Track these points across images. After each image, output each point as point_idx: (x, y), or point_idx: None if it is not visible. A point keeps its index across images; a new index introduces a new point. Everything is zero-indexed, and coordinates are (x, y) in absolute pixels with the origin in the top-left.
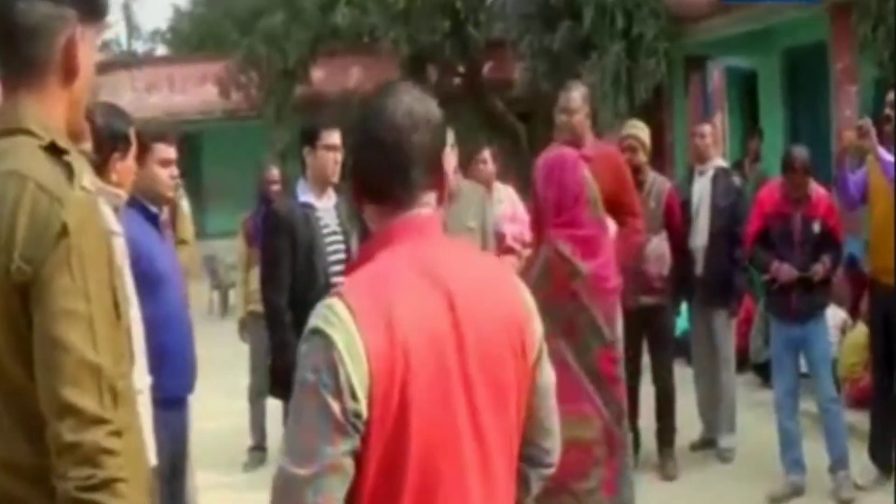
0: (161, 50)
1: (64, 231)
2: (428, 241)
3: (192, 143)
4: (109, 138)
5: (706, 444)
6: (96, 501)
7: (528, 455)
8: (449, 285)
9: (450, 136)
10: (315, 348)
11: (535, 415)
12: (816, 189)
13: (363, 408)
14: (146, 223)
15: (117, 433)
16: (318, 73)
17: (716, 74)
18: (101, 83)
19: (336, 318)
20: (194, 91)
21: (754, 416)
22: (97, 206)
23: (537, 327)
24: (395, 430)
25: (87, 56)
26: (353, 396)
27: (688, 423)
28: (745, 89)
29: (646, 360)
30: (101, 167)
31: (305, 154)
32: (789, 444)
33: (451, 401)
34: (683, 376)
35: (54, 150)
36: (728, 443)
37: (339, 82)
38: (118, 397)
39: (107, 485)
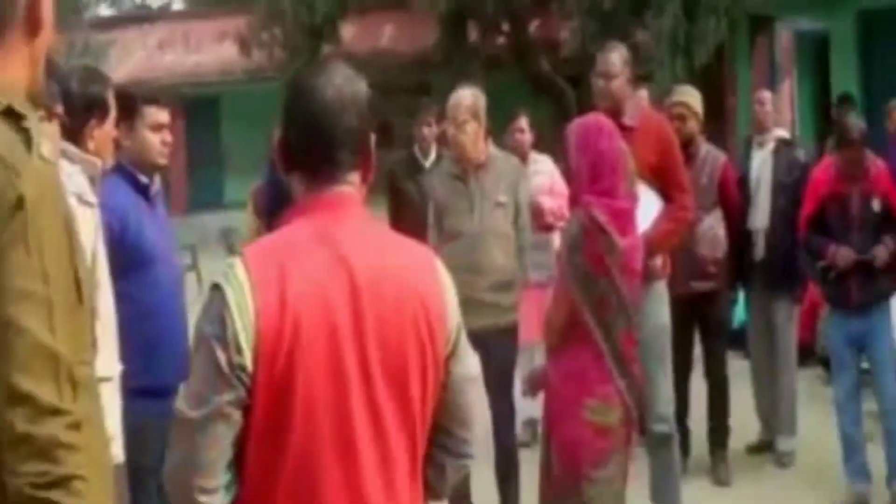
0: (178, 5)
1: (20, 204)
2: (341, 219)
3: (209, 106)
4: (85, 104)
5: (763, 446)
6: (51, 500)
7: (444, 443)
8: (352, 263)
9: (480, 102)
10: (212, 302)
11: (451, 405)
12: (875, 162)
13: (248, 362)
14: (135, 194)
15: (76, 426)
16: (347, 31)
17: (784, 37)
18: (110, 41)
19: (233, 276)
20: (212, 49)
21: (817, 415)
22: (57, 177)
23: (452, 320)
24: (281, 390)
25: (49, 8)
26: (239, 350)
27: (744, 422)
28: (816, 54)
29: (697, 351)
30: (76, 134)
31: None
32: (852, 450)
33: (343, 375)
34: (740, 371)
35: (11, 115)
36: (787, 446)
37: (371, 41)
38: (78, 387)
39: (63, 482)
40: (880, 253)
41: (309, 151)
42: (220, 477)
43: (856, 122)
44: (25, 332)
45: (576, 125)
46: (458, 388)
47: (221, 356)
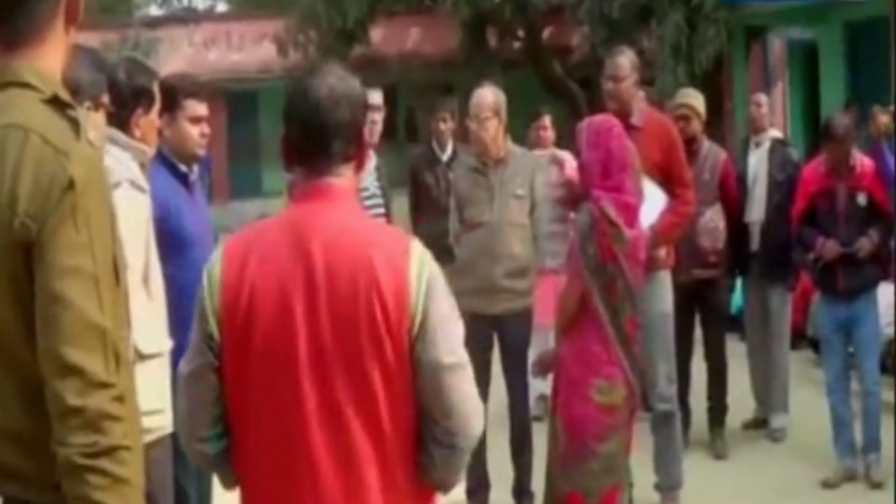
0: (221, 7)
1: (71, 185)
2: (321, 206)
3: (249, 101)
4: (132, 93)
5: (758, 423)
6: (101, 469)
7: (431, 432)
8: (312, 245)
9: (500, 101)
10: (200, 283)
11: (428, 392)
12: (861, 159)
13: (215, 331)
14: (175, 181)
15: (120, 398)
16: (376, 34)
17: (777, 45)
18: (159, 38)
19: (213, 259)
20: (252, 49)
21: (808, 394)
22: (103, 162)
23: (415, 301)
24: (241, 355)
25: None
26: (207, 321)
27: (740, 401)
28: (806, 61)
29: (698, 334)
30: (123, 122)
31: None
32: (842, 427)
33: (293, 346)
34: (737, 352)
35: (57, 104)
36: (780, 423)
37: (398, 43)
38: (120, 361)
39: (111, 452)
40: (864, 245)
41: (305, 145)
42: (208, 428)
43: (841, 120)
44: (74, 306)
45: (587, 124)
46: (432, 375)
47: (197, 326)
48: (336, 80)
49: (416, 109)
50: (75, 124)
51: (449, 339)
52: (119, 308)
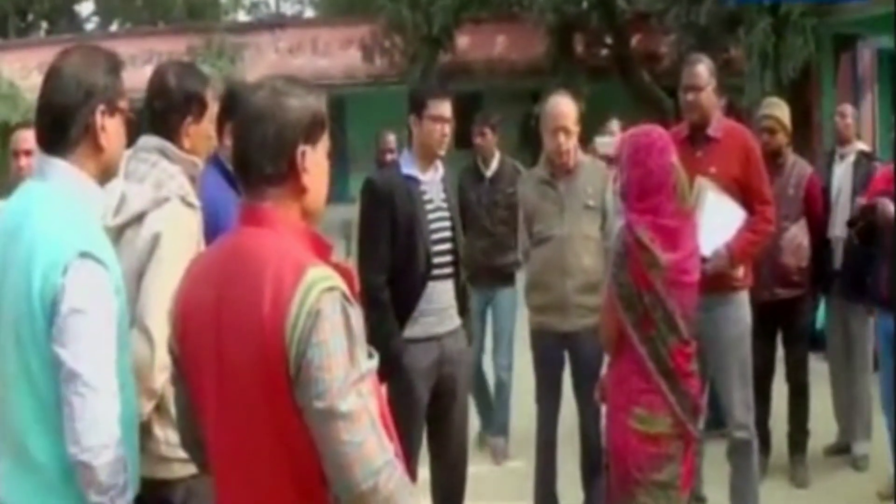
0: (309, 12)
1: None
2: (242, 230)
3: (336, 107)
4: (182, 98)
5: (841, 448)
6: None
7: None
8: (222, 275)
9: (568, 109)
10: None
11: (315, 437)
12: None
13: (174, 342)
14: (229, 189)
15: None
16: (462, 41)
17: (866, 55)
18: (245, 44)
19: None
20: (338, 55)
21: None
22: None
23: (293, 340)
24: (183, 372)
25: None
26: (171, 334)
27: (823, 424)
28: None
29: (779, 354)
30: (172, 130)
31: (412, 123)
32: None
33: (202, 373)
34: (821, 372)
35: None
36: (863, 450)
37: (484, 51)
38: None
39: None
40: None
41: (236, 159)
42: (185, 433)
43: None
44: None
45: (629, 138)
46: (311, 420)
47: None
48: (268, 93)
49: (504, 117)
50: None
51: (321, 384)
52: None
